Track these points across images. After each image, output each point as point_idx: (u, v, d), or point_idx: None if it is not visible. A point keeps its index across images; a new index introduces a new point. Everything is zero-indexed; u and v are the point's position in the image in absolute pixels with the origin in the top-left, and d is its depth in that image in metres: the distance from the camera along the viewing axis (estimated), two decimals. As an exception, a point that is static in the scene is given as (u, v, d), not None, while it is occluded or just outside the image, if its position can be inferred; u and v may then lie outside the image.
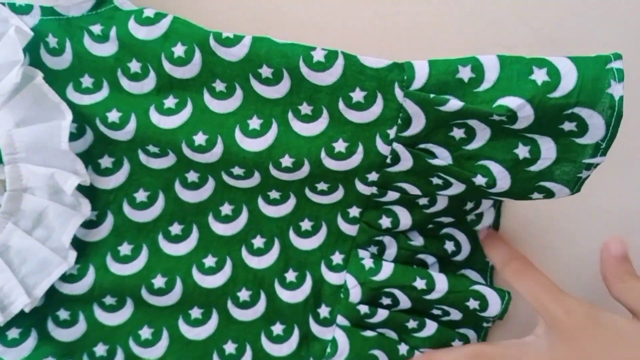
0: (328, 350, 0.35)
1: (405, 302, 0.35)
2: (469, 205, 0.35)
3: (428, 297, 0.35)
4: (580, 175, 0.29)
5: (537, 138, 0.29)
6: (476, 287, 0.35)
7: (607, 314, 0.29)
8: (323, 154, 0.32)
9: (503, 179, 0.30)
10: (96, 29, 0.33)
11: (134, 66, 0.33)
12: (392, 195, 0.33)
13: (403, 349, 0.35)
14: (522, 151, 0.29)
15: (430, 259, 0.37)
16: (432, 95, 0.29)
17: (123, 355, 0.35)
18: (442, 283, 0.35)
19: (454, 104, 0.29)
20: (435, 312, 0.37)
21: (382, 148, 0.31)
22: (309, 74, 0.31)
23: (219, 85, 0.33)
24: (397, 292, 0.35)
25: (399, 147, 0.31)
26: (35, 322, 0.34)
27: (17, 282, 0.31)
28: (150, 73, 0.33)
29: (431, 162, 0.30)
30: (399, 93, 0.30)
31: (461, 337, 0.36)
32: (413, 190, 0.33)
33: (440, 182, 0.32)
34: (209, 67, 0.32)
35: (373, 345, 0.35)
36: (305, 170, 0.32)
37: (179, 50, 0.32)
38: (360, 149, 0.32)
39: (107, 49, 0.33)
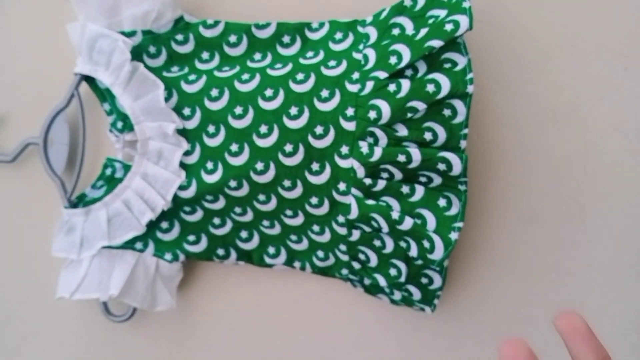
0: (346, 211, 0.50)
1: (397, 174, 0.49)
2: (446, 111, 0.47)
3: (410, 166, 0.48)
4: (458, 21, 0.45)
5: None
6: (441, 154, 0.47)
7: None
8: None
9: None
10: (179, 37, 0.54)
11: (205, 55, 0.54)
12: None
13: (395, 214, 0.48)
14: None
15: (412, 145, 0.48)
16: None
17: (230, 225, 0.55)
18: (416, 154, 0.47)
19: None
20: (422, 179, 0.49)
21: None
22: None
23: (257, 55, 0.54)
24: (390, 167, 0.48)
25: None
26: (174, 215, 0.55)
27: (156, 193, 0.52)
28: (215, 56, 0.54)
29: None
30: None
31: (444, 197, 0.49)
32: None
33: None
34: (252, 45, 0.54)
35: (372, 210, 0.48)
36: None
37: (232, 38, 0.53)
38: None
39: (187, 48, 0.54)
